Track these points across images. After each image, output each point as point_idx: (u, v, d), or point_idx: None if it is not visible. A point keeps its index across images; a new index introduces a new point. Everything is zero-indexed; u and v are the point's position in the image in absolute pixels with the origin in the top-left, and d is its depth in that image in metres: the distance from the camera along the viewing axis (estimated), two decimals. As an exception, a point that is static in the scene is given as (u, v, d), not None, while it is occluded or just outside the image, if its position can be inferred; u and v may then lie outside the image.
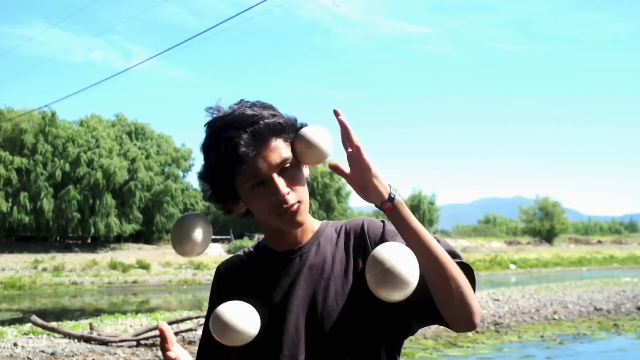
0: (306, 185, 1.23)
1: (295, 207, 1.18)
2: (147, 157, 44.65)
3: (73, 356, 7.86)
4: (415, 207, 61.31)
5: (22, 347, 8.14)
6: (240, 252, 1.37)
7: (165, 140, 49.74)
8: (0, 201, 36.70)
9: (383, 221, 1.27)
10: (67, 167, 39.28)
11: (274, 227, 1.24)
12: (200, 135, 1.24)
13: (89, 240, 42.37)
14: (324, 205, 48.57)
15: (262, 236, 1.34)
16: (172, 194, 43.69)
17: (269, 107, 1.21)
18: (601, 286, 17.96)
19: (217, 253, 36.86)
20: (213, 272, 1.37)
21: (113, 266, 25.16)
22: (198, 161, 1.48)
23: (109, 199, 39.99)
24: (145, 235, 44.39)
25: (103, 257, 30.06)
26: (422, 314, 1.14)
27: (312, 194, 48.42)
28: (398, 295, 1.01)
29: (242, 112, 1.17)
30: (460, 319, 1.07)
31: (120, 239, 42.39)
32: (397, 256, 1.01)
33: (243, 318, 1.10)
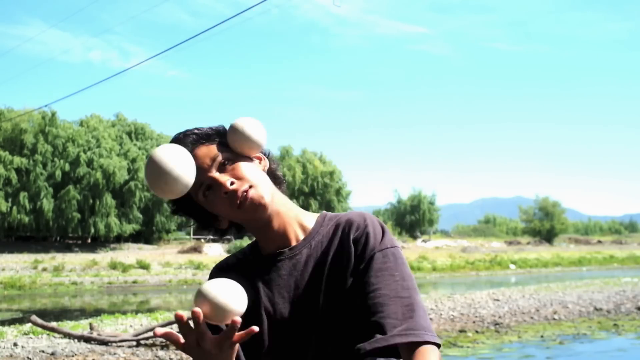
0: (259, 173, 1.24)
1: (248, 192, 1.19)
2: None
3: (73, 356, 7.85)
4: (415, 207, 61.33)
5: (22, 347, 8.13)
6: (236, 253, 1.37)
7: (165, 140, 49.68)
8: (0, 201, 36.69)
9: (383, 230, 1.26)
10: (67, 167, 39.25)
11: (250, 224, 1.26)
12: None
13: (89, 240, 42.34)
14: (324, 205, 48.57)
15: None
16: (172, 194, 43.71)
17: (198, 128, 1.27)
18: (601, 286, 17.94)
19: (217, 253, 36.84)
20: (213, 272, 1.38)
21: (113, 266, 25.12)
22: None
23: (109, 199, 39.96)
24: (145, 235, 44.36)
25: (103, 257, 30.02)
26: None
27: (312, 194, 48.57)
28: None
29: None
30: None
31: (120, 239, 42.35)
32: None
33: (231, 295, 1.08)
